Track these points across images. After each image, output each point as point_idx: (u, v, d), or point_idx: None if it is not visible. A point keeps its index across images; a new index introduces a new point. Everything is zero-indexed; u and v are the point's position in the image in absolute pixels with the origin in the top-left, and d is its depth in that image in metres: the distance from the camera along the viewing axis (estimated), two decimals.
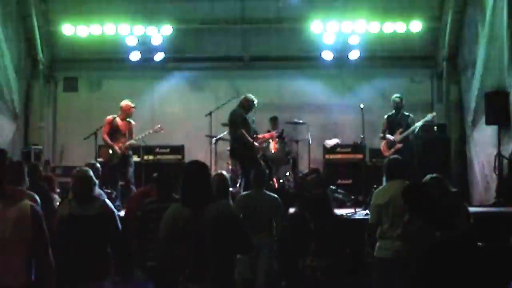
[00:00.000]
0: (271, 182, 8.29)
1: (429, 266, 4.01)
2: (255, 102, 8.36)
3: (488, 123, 8.86)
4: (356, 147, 10.06)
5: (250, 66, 11.31)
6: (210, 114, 9.64)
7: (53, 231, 4.34)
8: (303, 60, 11.14)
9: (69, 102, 11.39)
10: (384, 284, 5.06)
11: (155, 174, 6.98)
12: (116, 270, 5.44)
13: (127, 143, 8.61)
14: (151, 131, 8.90)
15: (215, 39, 11.21)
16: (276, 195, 6.28)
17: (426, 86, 11.18)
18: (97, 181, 5.16)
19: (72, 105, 11.35)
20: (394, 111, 8.96)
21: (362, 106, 8.93)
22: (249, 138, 8.18)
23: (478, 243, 4.68)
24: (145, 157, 10.16)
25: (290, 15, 10.89)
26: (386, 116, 9.07)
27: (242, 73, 11.33)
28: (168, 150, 10.33)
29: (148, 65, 10.89)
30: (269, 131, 9.56)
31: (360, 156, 9.86)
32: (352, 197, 9.10)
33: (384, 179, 5.36)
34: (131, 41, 10.51)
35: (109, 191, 8.17)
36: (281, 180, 9.39)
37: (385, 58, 11.01)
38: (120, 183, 8.59)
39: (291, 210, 7.38)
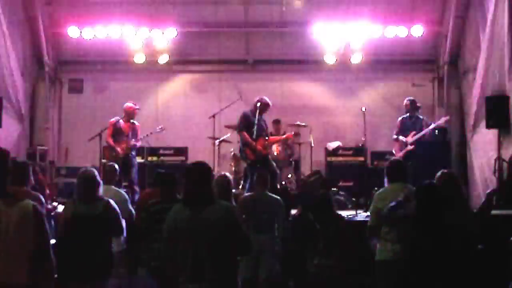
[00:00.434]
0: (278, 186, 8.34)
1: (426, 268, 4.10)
2: (257, 105, 8.38)
3: (488, 126, 8.89)
4: (358, 150, 10.14)
5: (253, 69, 11.38)
6: (213, 116, 9.72)
7: None
8: (306, 63, 11.19)
9: (74, 103, 11.45)
10: (386, 286, 5.09)
11: (157, 175, 7.11)
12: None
13: (131, 143, 8.73)
14: (152, 132, 9.00)
15: (219, 42, 11.27)
16: (278, 197, 6.35)
17: (427, 90, 11.22)
18: (101, 181, 5.23)
19: (77, 107, 11.41)
20: (408, 113, 9.03)
21: (364, 109, 9.02)
22: (249, 139, 8.26)
23: (479, 246, 4.74)
24: (149, 158, 10.23)
25: (293, 18, 10.95)
26: (400, 118, 9.12)
27: (246, 75, 11.39)
28: (172, 151, 10.41)
29: (152, 67, 10.96)
30: (271, 134, 9.62)
31: (361, 158, 9.93)
32: (354, 199, 9.14)
33: (385, 181, 5.38)
34: (136, 44, 10.58)
35: None
36: (283, 182, 9.45)
37: (386, 62, 11.06)
38: (124, 183, 8.66)
39: (294, 211, 7.47)
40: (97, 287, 4.90)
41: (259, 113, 8.34)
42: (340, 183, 9.87)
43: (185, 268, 3.70)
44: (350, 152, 10.31)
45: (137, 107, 9.11)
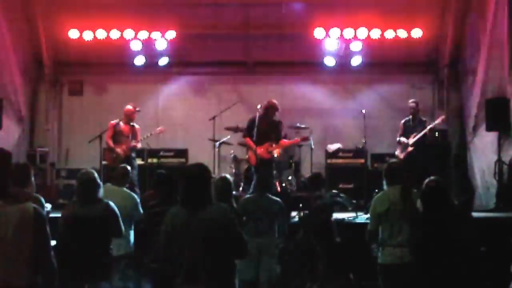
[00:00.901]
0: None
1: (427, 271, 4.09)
2: (258, 107, 8.50)
3: (488, 129, 8.93)
4: (358, 152, 10.15)
5: (253, 71, 11.38)
6: (213, 118, 9.73)
7: None
8: (306, 65, 11.20)
9: (74, 105, 11.46)
10: None
11: (157, 176, 7.12)
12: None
13: (131, 144, 8.75)
14: (152, 133, 9.01)
15: (219, 44, 11.26)
16: (279, 199, 6.36)
17: (427, 93, 11.21)
18: (101, 183, 5.24)
19: (77, 108, 11.42)
20: (410, 116, 9.06)
21: (364, 111, 9.04)
22: (250, 144, 8.37)
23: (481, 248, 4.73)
24: (149, 160, 10.24)
25: (292, 21, 10.95)
26: (402, 121, 9.18)
27: (245, 78, 11.40)
28: (172, 153, 10.40)
29: (152, 70, 10.95)
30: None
31: (361, 160, 9.95)
32: (354, 201, 9.14)
33: (384, 183, 5.38)
34: (136, 46, 10.58)
35: None
36: (283, 184, 9.46)
37: (386, 64, 11.06)
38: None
39: (294, 213, 7.48)
40: None
41: (266, 116, 8.41)
42: (340, 185, 9.87)
43: (182, 269, 3.70)
44: (350, 154, 10.30)
45: (137, 109, 9.13)
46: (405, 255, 4.81)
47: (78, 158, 10.75)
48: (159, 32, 10.50)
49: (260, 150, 8.41)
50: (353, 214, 8.19)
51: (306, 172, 10.20)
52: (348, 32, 10.38)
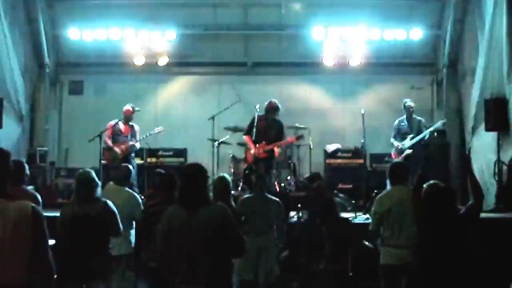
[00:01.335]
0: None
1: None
2: (256, 107, 8.57)
3: (487, 129, 8.91)
4: (357, 152, 10.15)
5: (252, 72, 11.39)
6: (212, 118, 9.73)
7: None
8: (305, 65, 11.21)
9: (75, 105, 11.48)
10: None
11: (157, 175, 7.16)
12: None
13: (129, 143, 8.78)
14: (151, 133, 9.02)
15: (218, 44, 11.30)
16: (277, 199, 6.37)
17: (426, 93, 11.23)
18: (99, 183, 5.26)
19: (77, 108, 11.43)
20: (405, 115, 9.08)
21: (363, 111, 9.05)
22: (249, 143, 8.46)
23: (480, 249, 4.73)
24: (148, 160, 10.25)
25: (292, 21, 10.98)
26: (397, 122, 9.18)
27: (245, 78, 11.41)
28: (171, 153, 10.42)
29: (152, 70, 10.98)
30: None
31: (360, 161, 9.94)
32: (353, 201, 9.16)
33: (387, 183, 5.41)
34: (136, 46, 10.60)
35: None
36: (282, 184, 9.47)
37: (385, 64, 11.07)
38: None
39: (293, 213, 7.49)
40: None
41: (266, 116, 8.42)
42: (339, 186, 9.88)
43: (179, 269, 3.72)
44: (349, 155, 10.30)
45: (137, 109, 9.16)
46: (405, 256, 4.82)
47: (78, 157, 10.75)
48: (159, 32, 10.51)
49: (256, 149, 8.44)
50: (352, 214, 8.19)
51: (305, 172, 10.21)
52: (347, 33, 10.38)
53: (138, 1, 10.84)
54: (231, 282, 3.95)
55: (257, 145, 8.56)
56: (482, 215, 8.01)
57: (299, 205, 7.67)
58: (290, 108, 10.37)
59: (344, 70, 10.85)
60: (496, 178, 8.59)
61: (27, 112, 10.80)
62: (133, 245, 6.16)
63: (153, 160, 10.25)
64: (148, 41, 10.58)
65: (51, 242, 4.37)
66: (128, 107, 9.00)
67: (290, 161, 9.97)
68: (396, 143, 9.03)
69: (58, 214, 5.25)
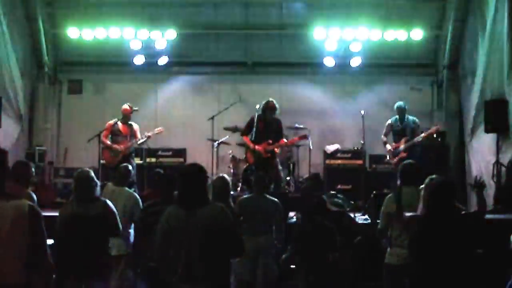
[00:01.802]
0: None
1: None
2: (256, 107, 8.57)
3: (487, 131, 8.91)
4: (356, 153, 10.15)
5: (252, 71, 11.38)
6: (212, 118, 9.73)
7: None
8: (305, 66, 11.21)
9: (74, 104, 11.46)
10: None
11: (156, 175, 7.14)
12: None
13: (129, 143, 8.75)
14: (150, 135, 8.97)
15: (219, 44, 11.28)
16: (276, 199, 6.35)
17: (426, 94, 11.22)
18: (98, 182, 5.25)
19: (77, 108, 11.41)
20: (398, 116, 9.09)
21: (362, 112, 9.05)
22: (248, 143, 8.43)
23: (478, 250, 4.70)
24: (148, 160, 10.23)
25: (293, 21, 10.97)
26: (389, 122, 9.19)
27: (245, 78, 11.39)
28: (170, 153, 10.40)
29: (152, 69, 10.96)
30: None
31: (360, 161, 9.97)
32: (352, 202, 9.15)
33: (398, 183, 5.39)
34: (136, 45, 10.57)
35: None
36: (281, 185, 9.44)
37: (386, 65, 11.08)
38: None
39: (292, 214, 7.49)
40: (93, 287, 4.92)
41: (264, 115, 8.43)
42: (339, 186, 9.87)
43: (178, 268, 3.72)
44: (349, 155, 10.30)
45: (135, 108, 9.12)
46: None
47: (77, 157, 10.74)
48: (159, 31, 10.49)
49: (258, 149, 8.42)
50: (351, 215, 8.17)
51: (304, 172, 10.19)
52: (348, 33, 10.37)
53: (137, 0, 10.81)
54: (229, 282, 3.95)
55: (259, 145, 8.52)
56: None
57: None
58: (290, 108, 10.37)
59: (344, 70, 10.84)
60: (495, 180, 8.57)
61: (26, 111, 10.76)
62: (131, 244, 6.15)
63: (153, 160, 10.22)
64: (147, 40, 10.54)
65: (50, 241, 4.38)
66: (126, 106, 8.97)
67: (289, 162, 9.95)
68: (388, 147, 9.08)
69: (56, 213, 5.25)
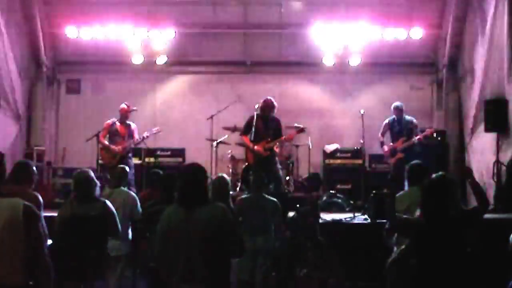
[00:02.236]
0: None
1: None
2: (255, 107, 8.55)
3: (487, 130, 8.89)
4: (356, 153, 10.12)
5: (251, 71, 11.35)
6: (211, 117, 9.70)
7: None
8: (304, 65, 11.17)
9: (72, 104, 11.43)
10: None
11: (155, 175, 7.12)
12: None
13: (127, 144, 8.71)
14: (148, 135, 8.92)
15: (217, 43, 11.26)
16: (275, 199, 6.34)
17: (426, 93, 11.21)
18: (97, 182, 5.24)
19: (75, 107, 11.39)
20: (395, 116, 9.08)
21: (362, 112, 9.03)
22: (247, 142, 8.41)
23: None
24: (147, 160, 10.19)
25: (291, 20, 10.95)
26: (387, 121, 9.18)
27: (244, 77, 11.37)
28: (169, 153, 10.35)
29: (150, 69, 10.92)
30: None
31: (359, 161, 9.94)
32: (351, 202, 9.14)
33: (406, 184, 5.38)
34: (134, 44, 10.54)
35: None
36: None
37: (385, 64, 11.03)
38: None
39: (291, 214, 7.46)
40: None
41: (263, 114, 8.40)
42: (338, 186, 9.85)
43: (177, 268, 3.71)
44: (348, 155, 10.27)
45: (134, 108, 9.08)
46: None
47: (75, 157, 10.69)
48: (157, 30, 10.45)
49: (257, 148, 8.40)
50: (351, 215, 8.15)
51: (303, 172, 10.17)
52: (347, 32, 10.33)
53: None
54: (229, 282, 3.93)
55: (258, 144, 8.51)
56: None
57: (298, 205, 7.63)
58: (289, 107, 10.36)
59: (343, 69, 10.80)
60: (495, 179, 8.56)
61: (24, 111, 10.74)
62: (130, 245, 6.14)
63: (151, 160, 10.18)
64: (146, 39, 10.51)
65: (49, 241, 4.36)
66: (123, 105, 8.91)
67: (288, 161, 9.93)
68: (385, 148, 9.10)
69: (55, 214, 5.25)
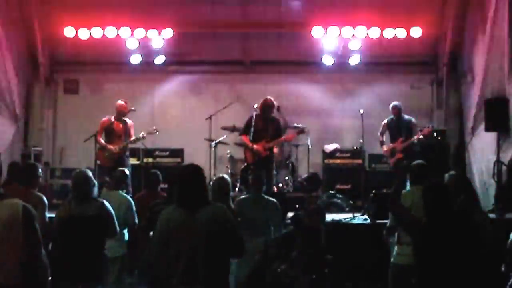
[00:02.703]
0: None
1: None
2: (254, 106, 8.53)
3: (487, 129, 8.87)
4: (356, 152, 10.08)
5: (250, 70, 11.31)
6: (210, 117, 9.67)
7: None
8: (304, 64, 11.14)
9: (70, 104, 11.37)
10: None
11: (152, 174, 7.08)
12: None
13: (123, 143, 8.62)
14: (145, 136, 8.78)
15: (216, 42, 11.20)
16: (275, 200, 6.32)
17: (426, 92, 11.16)
18: (96, 182, 5.22)
19: (73, 107, 11.32)
20: (393, 116, 9.04)
21: (362, 111, 8.99)
22: (247, 142, 8.39)
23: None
24: (145, 160, 10.15)
25: (291, 19, 10.88)
26: (385, 121, 9.15)
27: (242, 77, 11.33)
28: (167, 153, 10.31)
29: (148, 68, 10.87)
30: None
31: (359, 161, 9.92)
32: (351, 202, 9.12)
33: (408, 183, 5.37)
34: (132, 44, 10.48)
35: None
36: (280, 184, 9.39)
37: (385, 63, 11.00)
38: None
39: (290, 214, 7.43)
40: None
41: (262, 114, 8.38)
42: (338, 186, 9.83)
43: (177, 269, 3.69)
44: (348, 155, 10.23)
45: (132, 108, 9.01)
46: None
47: (73, 157, 10.68)
48: (155, 30, 10.40)
49: (257, 147, 8.37)
50: (350, 215, 8.13)
51: (303, 172, 10.13)
52: (347, 31, 10.29)
53: None
54: (228, 282, 3.93)
55: (257, 144, 8.47)
56: None
57: (297, 206, 7.60)
58: (288, 107, 10.34)
59: (343, 68, 10.76)
60: (495, 179, 8.53)
61: (22, 111, 10.68)
62: (126, 246, 6.14)
63: (149, 160, 10.14)
64: (144, 39, 10.45)
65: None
66: (121, 102, 8.79)
67: (288, 161, 9.90)
68: (385, 147, 9.09)
69: (53, 215, 5.23)
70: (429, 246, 3.97)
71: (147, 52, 10.57)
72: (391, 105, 9.12)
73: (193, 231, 3.68)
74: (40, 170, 5.28)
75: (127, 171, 6.84)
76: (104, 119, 8.74)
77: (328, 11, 10.52)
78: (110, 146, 8.59)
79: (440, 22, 10.80)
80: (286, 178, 9.74)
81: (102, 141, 8.63)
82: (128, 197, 6.46)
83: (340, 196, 9.34)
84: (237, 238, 3.88)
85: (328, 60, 10.61)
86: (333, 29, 10.29)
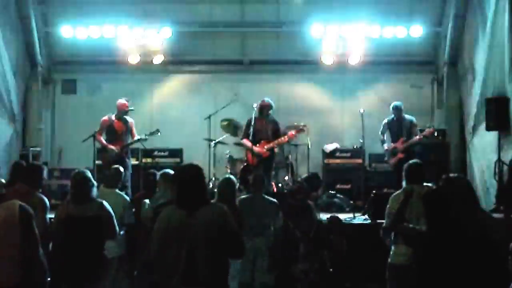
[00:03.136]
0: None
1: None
2: (253, 106, 8.53)
3: (488, 129, 8.84)
4: (356, 152, 10.05)
5: (249, 70, 11.29)
6: (209, 117, 9.65)
7: None
8: (303, 63, 11.11)
9: (68, 104, 11.33)
10: None
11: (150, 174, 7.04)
12: None
13: (124, 143, 8.57)
14: (146, 137, 8.74)
15: (215, 42, 11.18)
16: (275, 200, 6.30)
17: (427, 91, 11.14)
18: (95, 183, 5.19)
19: (71, 107, 11.29)
20: (394, 116, 9.01)
21: (362, 110, 8.96)
22: (248, 144, 8.41)
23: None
24: (144, 160, 10.11)
25: (290, 18, 10.87)
26: (386, 121, 9.13)
27: (242, 76, 11.29)
28: (166, 153, 10.29)
29: (147, 68, 10.84)
30: None
31: (359, 161, 9.88)
32: (351, 201, 9.11)
33: (403, 183, 5.33)
34: (130, 44, 10.45)
35: None
36: (280, 184, 9.36)
37: (385, 63, 10.97)
38: None
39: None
40: None
41: (261, 115, 8.36)
42: (338, 186, 9.81)
43: (177, 269, 3.67)
44: (348, 154, 10.22)
45: (131, 108, 8.96)
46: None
47: (72, 157, 10.62)
48: (154, 29, 10.37)
49: (258, 149, 8.35)
50: (351, 215, 8.10)
51: (302, 172, 10.08)
52: (346, 30, 10.26)
53: None
54: (227, 283, 3.91)
55: (258, 145, 8.47)
56: None
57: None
58: (288, 107, 10.33)
59: (343, 68, 10.72)
60: (496, 178, 8.51)
61: (20, 111, 10.65)
62: (123, 247, 6.14)
63: (149, 160, 10.11)
64: (143, 38, 10.43)
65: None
66: (122, 101, 8.75)
67: (288, 161, 9.87)
68: (385, 146, 9.08)
69: (51, 215, 5.20)
70: (433, 257, 3.90)
71: (146, 52, 10.54)
72: (392, 105, 9.09)
73: (192, 231, 3.67)
74: (45, 172, 5.30)
75: (121, 169, 6.77)
76: (105, 118, 8.69)
77: (327, 9, 10.50)
78: (111, 146, 8.54)
79: (440, 21, 10.80)
80: (286, 178, 9.71)
81: (103, 141, 8.58)
82: (126, 196, 6.43)
83: (340, 196, 9.32)
84: (238, 238, 3.86)
85: (327, 60, 10.57)
86: (333, 28, 10.27)
